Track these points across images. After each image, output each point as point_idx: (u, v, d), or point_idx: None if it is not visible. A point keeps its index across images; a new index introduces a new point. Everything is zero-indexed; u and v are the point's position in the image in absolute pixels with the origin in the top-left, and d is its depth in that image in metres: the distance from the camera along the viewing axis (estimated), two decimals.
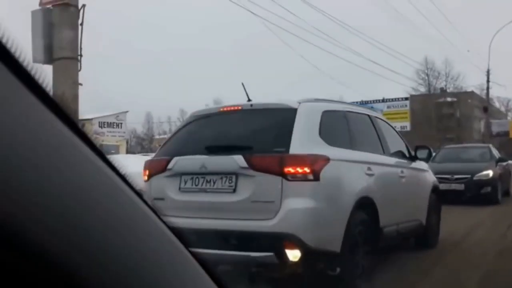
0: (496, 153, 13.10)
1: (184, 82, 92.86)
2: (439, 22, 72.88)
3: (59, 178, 0.36)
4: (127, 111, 39.60)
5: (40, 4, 6.93)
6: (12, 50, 0.37)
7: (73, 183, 0.38)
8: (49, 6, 7.00)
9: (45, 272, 0.34)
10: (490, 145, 13.71)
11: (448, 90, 56.98)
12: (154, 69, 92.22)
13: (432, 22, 61.29)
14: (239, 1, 21.60)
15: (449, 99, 57.01)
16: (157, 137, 68.96)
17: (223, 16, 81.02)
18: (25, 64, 0.38)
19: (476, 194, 11.05)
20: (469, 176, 11.28)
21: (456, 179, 11.29)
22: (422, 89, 54.47)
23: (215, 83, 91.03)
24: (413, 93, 48.66)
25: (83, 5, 7.21)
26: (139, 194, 0.48)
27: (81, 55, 6.95)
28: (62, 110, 0.41)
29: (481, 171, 11.47)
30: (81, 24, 7.12)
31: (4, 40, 0.36)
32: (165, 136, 70.16)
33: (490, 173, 11.48)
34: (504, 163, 13.06)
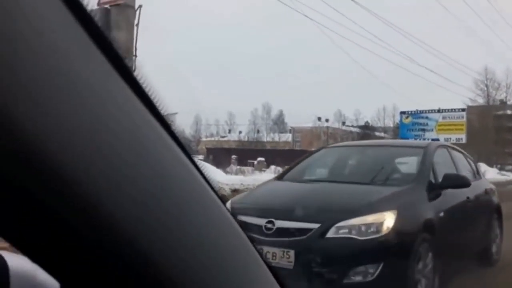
0: (449, 162, 5.15)
1: (232, 85, 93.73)
2: (502, 30, 70.04)
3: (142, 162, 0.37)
4: (176, 113, 40.31)
5: (98, 4, 7.09)
6: (112, 41, 0.37)
7: (154, 167, 0.38)
8: (107, 6, 7.16)
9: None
10: (436, 144, 5.95)
11: (508, 102, 54.64)
12: (203, 71, 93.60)
13: (494, 29, 58.89)
14: (293, 4, 21.50)
15: (509, 111, 54.65)
16: (204, 139, 69.90)
17: (274, 18, 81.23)
18: (123, 56, 0.38)
19: (331, 279, 3.54)
20: (315, 226, 3.58)
21: (279, 231, 3.64)
22: (480, 100, 52.52)
23: (263, 86, 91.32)
24: (471, 104, 46.93)
25: (140, 6, 7.34)
26: (208, 180, 0.46)
27: (135, 56, 7.05)
28: (155, 106, 0.41)
29: (359, 213, 3.67)
30: (137, 25, 7.24)
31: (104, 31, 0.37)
32: (212, 138, 71.46)
33: (383, 220, 3.62)
34: (482, 191, 5.66)
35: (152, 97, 0.40)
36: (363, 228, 3.59)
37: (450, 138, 22.58)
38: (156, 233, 0.36)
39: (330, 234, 3.55)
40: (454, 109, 23.28)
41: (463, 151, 6.17)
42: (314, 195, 4.17)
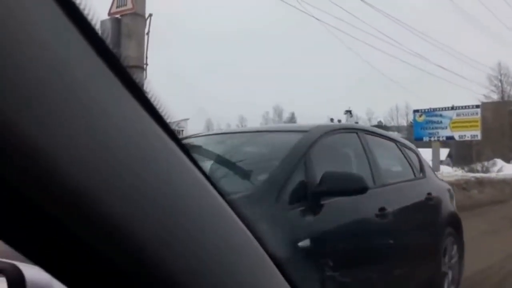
0: (359, 155, 3.35)
1: (243, 89, 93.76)
2: None
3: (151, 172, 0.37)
4: (187, 119, 40.37)
5: (109, 14, 7.17)
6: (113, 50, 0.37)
7: (161, 175, 0.38)
8: (118, 15, 7.23)
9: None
10: (326, 128, 3.26)
11: None
12: (213, 76, 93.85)
13: (506, 23, 58.16)
14: (303, 6, 21.50)
15: None
16: None
17: (283, 19, 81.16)
18: (124, 63, 0.38)
19: None
20: None
21: None
22: (495, 96, 51.89)
23: (274, 88, 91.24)
24: (485, 100, 46.39)
25: (150, 15, 7.40)
26: (210, 180, 0.47)
27: (146, 64, 7.11)
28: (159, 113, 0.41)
29: None
30: (148, 33, 7.29)
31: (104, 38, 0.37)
32: None
33: None
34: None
35: (155, 105, 0.40)
36: None
37: (465, 135, 22.36)
38: (162, 238, 0.36)
39: None
40: (468, 106, 23.00)
41: (399, 139, 4.37)
42: None
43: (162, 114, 0.41)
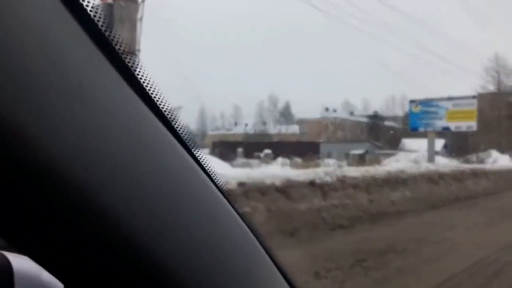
0: None
1: (238, 78, 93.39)
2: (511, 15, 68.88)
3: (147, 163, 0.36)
4: (181, 107, 40.11)
5: None
6: (113, 42, 0.37)
7: (159, 169, 0.38)
8: (110, 1, 7.10)
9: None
10: None
11: None
12: (208, 64, 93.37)
13: (503, 15, 58.06)
14: None
15: None
16: (210, 133, 69.66)
17: (279, 6, 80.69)
18: (123, 54, 0.38)
19: None
20: None
21: None
22: (492, 87, 51.89)
23: (269, 77, 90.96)
24: (482, 91, 46.34)
25: (143, 0, 7.26)
26: (213, 178, 0.47)
27: (139, 50, 6.98)
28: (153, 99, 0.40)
29: None
30: (140, 19, 7.16)
31: (104, 31, 0.36)
32: (218, 132, 70.54)
33: None
34: None
35: (153, 95, 0.40)
36: None
37: (461, 126, 22.37)
38: (159, 233, 0.36)
39: None
40: (465, 97, 23.00)
41: None
42: None
43: (158, 103, 0.40)
